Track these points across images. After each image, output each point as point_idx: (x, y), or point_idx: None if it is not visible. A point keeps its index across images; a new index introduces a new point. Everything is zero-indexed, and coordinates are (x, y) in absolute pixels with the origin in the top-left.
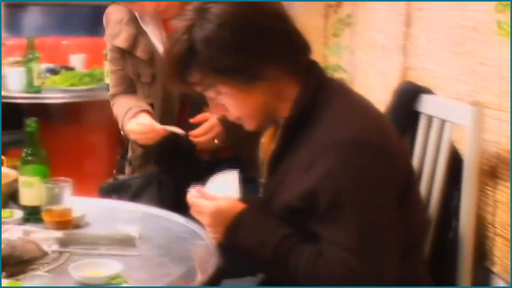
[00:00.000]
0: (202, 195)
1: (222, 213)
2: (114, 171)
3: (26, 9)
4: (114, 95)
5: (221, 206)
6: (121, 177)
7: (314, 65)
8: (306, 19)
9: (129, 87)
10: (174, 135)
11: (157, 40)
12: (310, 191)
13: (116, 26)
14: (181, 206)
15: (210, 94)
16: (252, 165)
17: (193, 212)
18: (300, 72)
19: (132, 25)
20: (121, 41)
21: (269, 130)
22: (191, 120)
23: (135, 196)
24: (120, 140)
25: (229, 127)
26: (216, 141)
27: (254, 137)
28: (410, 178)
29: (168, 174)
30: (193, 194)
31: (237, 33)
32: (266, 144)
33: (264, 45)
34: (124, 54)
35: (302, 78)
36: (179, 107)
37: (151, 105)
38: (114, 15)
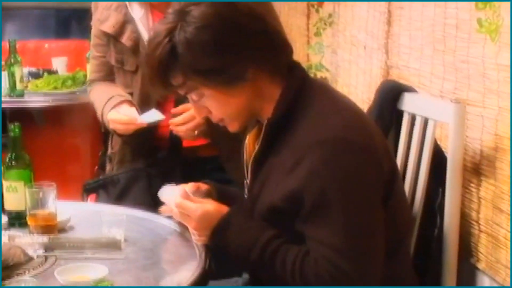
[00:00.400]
0: (186, 198)
1: (208, 216)
2: (96, 167)
3: (8, 13)
4: (92, 81)
5: (207, 209)
6: (107, 174)
7: (296, 65)
8: (289, 18)
9: (109, 75)
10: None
11: (144, 28)
12: (295, 192)
13: (104, 12)
14: None
15: (192, 96)
16: (232, 165)
17: (177, 215)
18: (282, 73)
19: (121, 11)
20: (108, 26)
21: (253, 131)
22: (172, 111)
23: (124, 191)
24: (103, 139)
25: (210, 120)
26: (196, 132)
27: (234, 135)
28: (394, 176)
29: (156, 166)
30: (177, 198)
31: (217, 35)
32: (250, 145)
33: (244, 46)
34: (109, 40)
35: (284, 79)
36: (158, 98)
37: (131, 94)
38: (103, 0)
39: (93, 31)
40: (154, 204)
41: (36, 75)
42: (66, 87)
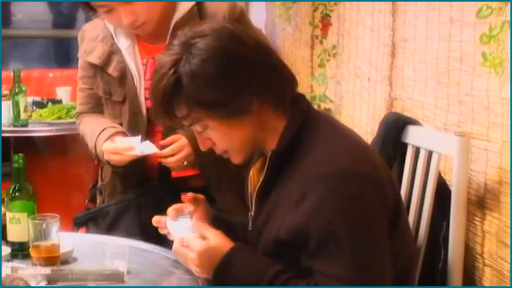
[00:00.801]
0: (182, 243)
1: (208, 254)
2: (86, 201)
3: (12, 41)
4: (81, 113)
5: (207, 247)
6: (97, 206)
7: (300, 97)
8: (293, 49)
9: (96, 106)
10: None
11: (130, 58)
12: (301, 226)
13: (90, 43)
14: None
15: (197, 128)
16: (221, 194)
17: (179, 256)
18: (286, 105)
19: (107, 42)
20: (95, 57)
21: (257, 162)
22: (161, 142)
23: (113, 223)
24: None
25: (199, 149)
26: (185, 162)
27: (222, 164)
28: (399, 208)
29: (145, 196)
30: (175, 243)
31: (222, 67)
32: (254, 177)
33: (249, 79)
34: (96, 71)
35: (288, 111)
36: (147, 128)
37: (120, 124)
38: (89, 32)
39: (80, 63)
40: (143, 236)
41: (40, 105)
42: (70, 116)
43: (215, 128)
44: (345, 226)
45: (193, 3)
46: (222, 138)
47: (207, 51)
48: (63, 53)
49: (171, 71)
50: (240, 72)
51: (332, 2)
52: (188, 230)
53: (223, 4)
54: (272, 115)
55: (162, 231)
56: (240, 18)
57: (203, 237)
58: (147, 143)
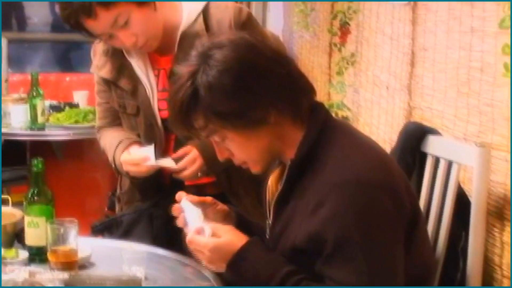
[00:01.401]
0: (198, 232)
1: (220, 249)
2: (106, 208)
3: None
4: (100, 128)
5: (219, 244)
6: (114, 215)
7: (318, 106)
8: (311, 56)
9: (115, 120)
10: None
11: (141, 71)
12: (317, 233)
13: (102, 58)
14: (175, 239)
15: (215, 138)
16: (238, 201)
17: (191, 248)
18: (304, 115)
19: (117, 56)
20: (106, 72)
21: (275, 171)
22: (173, 156)
23: (126, 233)
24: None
25: (209, 159)
26: (199, 174)
27: (235, 170)
28: (416, 217)
29: (158, 207)
30: (189, 234)
31: (239, 79)
32: (272, 186)
33: (266, 90)
34: (110, 85)
35: (306, 120)
36: (163, 139)
37: (138, 136)
38: (101, 46)
39: (95, 78)
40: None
41: (57, 108)
42: (87, 121)
43: (232, 139)
44: (359, 235)
45: (199, 10)
46: (240, 149)
47: (224, 63)
48: (79, 57)
49: (189, 83)
50: (257, 83)
51: (351, 10)
52: (200, 220)
53: (229, 10)
54: (290, 125)
55: (179, 224)
56: (246, 22)
57: (216, 234)
58: (168, 159)
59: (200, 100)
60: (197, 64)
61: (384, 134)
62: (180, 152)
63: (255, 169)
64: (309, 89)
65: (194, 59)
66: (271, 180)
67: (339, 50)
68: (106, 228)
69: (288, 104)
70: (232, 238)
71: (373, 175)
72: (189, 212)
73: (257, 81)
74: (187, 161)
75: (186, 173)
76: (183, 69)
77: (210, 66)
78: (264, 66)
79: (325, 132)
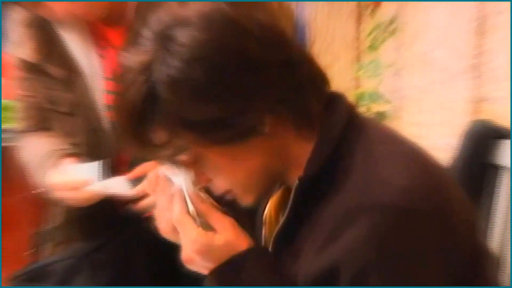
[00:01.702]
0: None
1: (215, 248)
2: (31, 251)
3: None
4: (23, 132)
5: (215, 240)
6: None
7: (335, 100)
8: (329, 23)
9: (42, 121)
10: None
11: (80, 50)
12: (331, 269)
13: (21, 31)
14: None
15: (185, 159)
16: None
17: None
18: (314, 117)
19: (44, 28)
20: (29, 51)
21: (275, 195)
22: (127, 177)
23: (61, 286)
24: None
25: None
26: None
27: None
28: (479, 254)
29: (105, 250)
30: (176, 208)
31: (215, 71)
32: (271, 213)
33: (257, 87)
34: (34, 71)
35: (317, 124)
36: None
37: (76, 146)
38: (21, 16)
39: (13, 60)
40: None
41: None
42: None
43: (210, 159)
44: (381, 277)
45: None
46: (221, 173)
47: (192, 48)
48: None
49: (141, 78)
50: (244, 77)
51: None
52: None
53: None
54: (293, 136)
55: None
56: None
57: (211, 226)
58: (121, 179)
59: (159, 104)
60: (151, 49)
61: (440, 138)
62: (139, 169)
63: (245, 199)
64: (321, 82)
65: (146, 42)
66: (270, 207)
67: (372, 14)
68: (33, 279)
69: (291, 104)
70: (231, 237)
71: (416, 200)
72: (175, 180)
73: (243, 74)
74: (148, 183)
75: (146, 201)
76: (131, 58)
77: (172, 53)
78: (252, 52)
79: (346, 137)
